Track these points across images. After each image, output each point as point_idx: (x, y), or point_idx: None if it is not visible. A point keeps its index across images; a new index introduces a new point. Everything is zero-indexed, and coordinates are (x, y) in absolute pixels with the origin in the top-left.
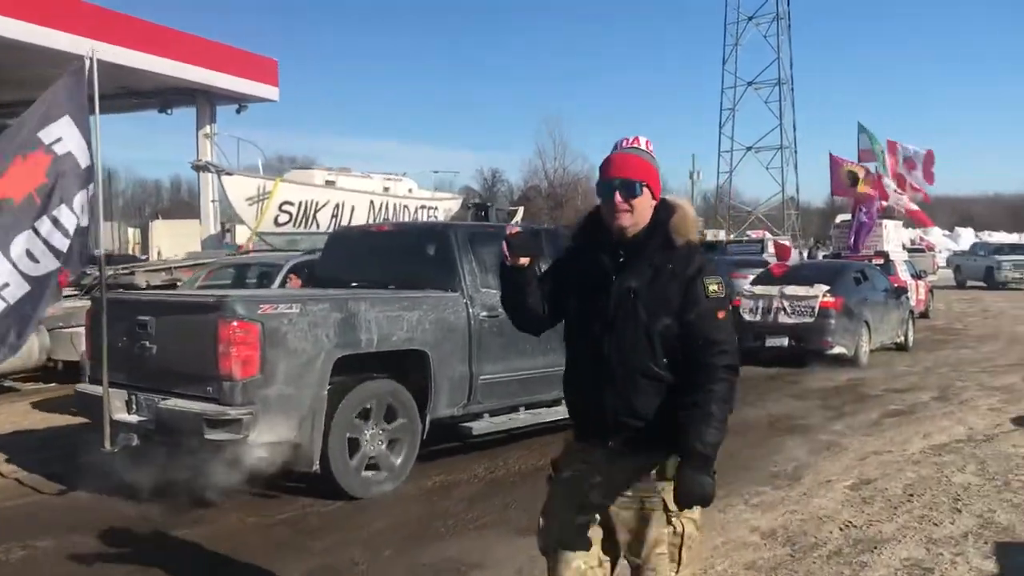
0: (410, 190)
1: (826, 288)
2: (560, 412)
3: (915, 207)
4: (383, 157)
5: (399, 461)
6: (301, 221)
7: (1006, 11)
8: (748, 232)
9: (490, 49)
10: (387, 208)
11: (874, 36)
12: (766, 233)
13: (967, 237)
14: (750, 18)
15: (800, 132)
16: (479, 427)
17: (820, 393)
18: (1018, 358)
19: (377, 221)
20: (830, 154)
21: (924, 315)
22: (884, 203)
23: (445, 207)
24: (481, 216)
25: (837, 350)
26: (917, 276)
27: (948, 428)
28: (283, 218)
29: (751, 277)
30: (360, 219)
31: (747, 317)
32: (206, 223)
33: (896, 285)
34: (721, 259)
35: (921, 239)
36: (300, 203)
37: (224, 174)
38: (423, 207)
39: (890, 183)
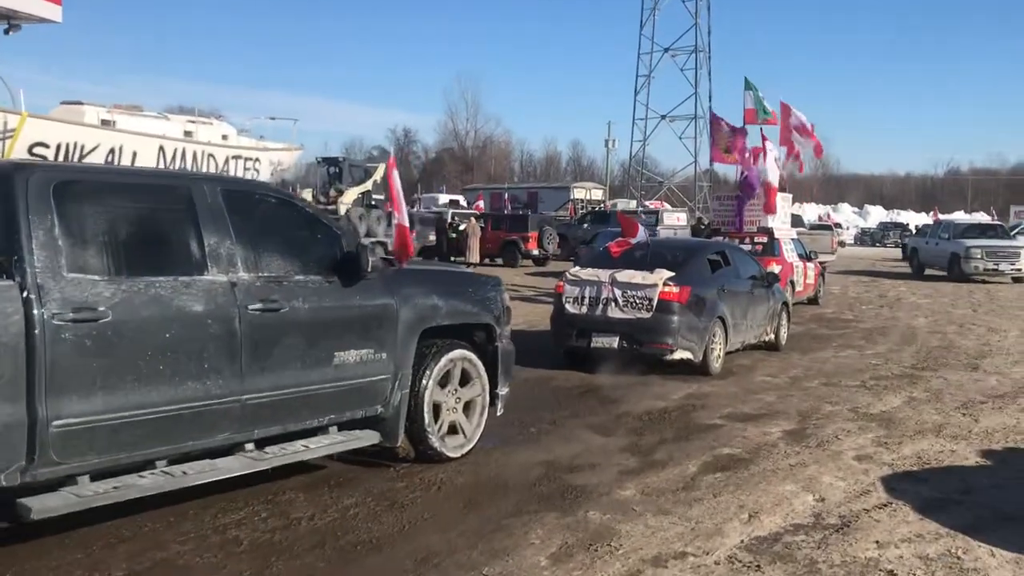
0: (225, 136)
1: (668, 275)
2: (226, 467)
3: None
4: (261, 108)
5: None
6: None
7: None
8: (646, 203)
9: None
10: (184, 155)
11: (793, 7)
12: (664, 204)
13: (876, 214)
14: None
15: (716, 102)
16: (47, 505)
17: (636, 422)
18: (910, 363)
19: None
20: (711, 113)
21: (814, 301)
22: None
23: (272, 158)
24: (334, 173)
25: (680, 354)
26: (806, 257)
27: (790, 498)
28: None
29: None
30: (144, 166)
31: (570, 308)
32: None
33: (767, 270)
34: (607, 231)
35: (829, 215)
36: (60, 145)
37: None
38: (237, 157)
39: (772, 149)
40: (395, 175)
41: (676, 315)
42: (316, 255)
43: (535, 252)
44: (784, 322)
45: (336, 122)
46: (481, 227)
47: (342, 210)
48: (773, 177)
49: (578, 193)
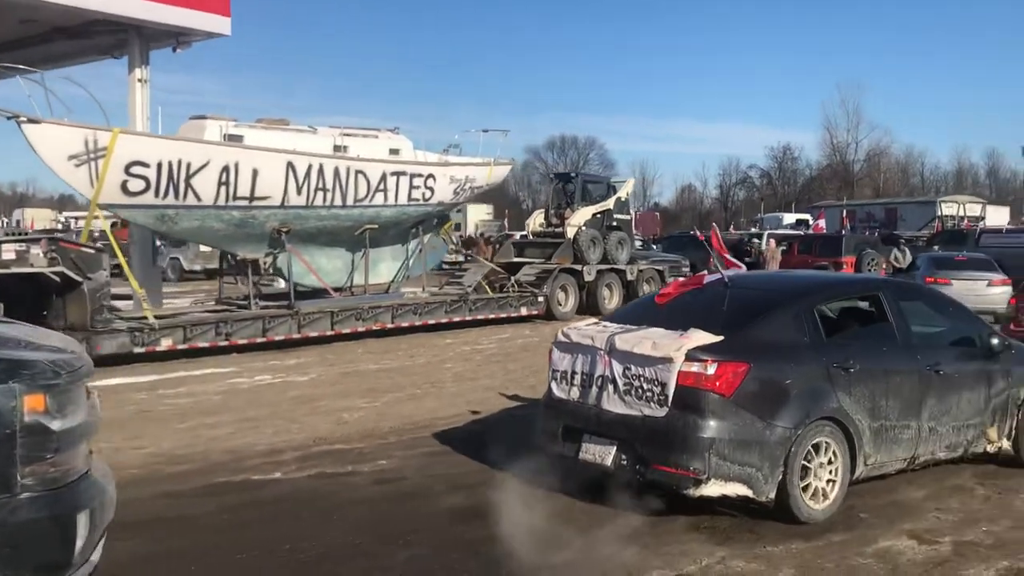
0: (396, 151)
1: (704, 339)
2: None
3: None
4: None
5: None
6: (167, 190)
7: None
8: None
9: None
10: (321, 172)
11: None
12: None
13: None
14: None
15: None
16: None
17: None
18: None
19: (307, 190)
20: None
21: None
22: None
23: (457, 175)
24: (570, 191)
25: (715, 488)
26: None
27: None
28: (136, 185)
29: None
30: (270, 186)
31: (556, 391)
32: None
33: (997, 334)
34: (934, 255)
35: None
36: (161, 164)
37: (27, 122)
38: (400, 173)
39: None
40: None
41: (711, 415)
42: None
43: None
44: None
45: (710, 144)
46: (783, 250)
47: (570, 233)
48: None
49: (947, 209)
